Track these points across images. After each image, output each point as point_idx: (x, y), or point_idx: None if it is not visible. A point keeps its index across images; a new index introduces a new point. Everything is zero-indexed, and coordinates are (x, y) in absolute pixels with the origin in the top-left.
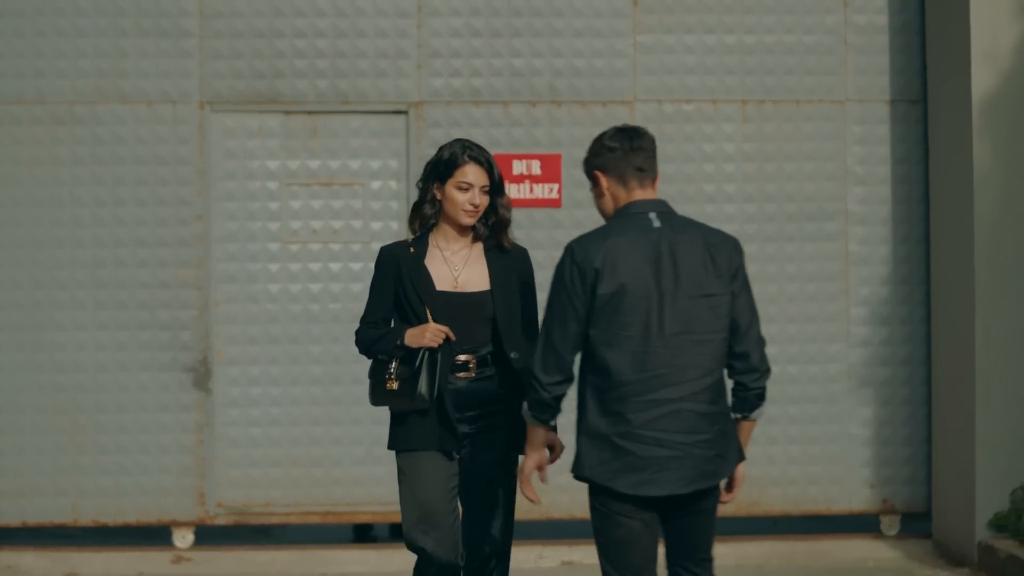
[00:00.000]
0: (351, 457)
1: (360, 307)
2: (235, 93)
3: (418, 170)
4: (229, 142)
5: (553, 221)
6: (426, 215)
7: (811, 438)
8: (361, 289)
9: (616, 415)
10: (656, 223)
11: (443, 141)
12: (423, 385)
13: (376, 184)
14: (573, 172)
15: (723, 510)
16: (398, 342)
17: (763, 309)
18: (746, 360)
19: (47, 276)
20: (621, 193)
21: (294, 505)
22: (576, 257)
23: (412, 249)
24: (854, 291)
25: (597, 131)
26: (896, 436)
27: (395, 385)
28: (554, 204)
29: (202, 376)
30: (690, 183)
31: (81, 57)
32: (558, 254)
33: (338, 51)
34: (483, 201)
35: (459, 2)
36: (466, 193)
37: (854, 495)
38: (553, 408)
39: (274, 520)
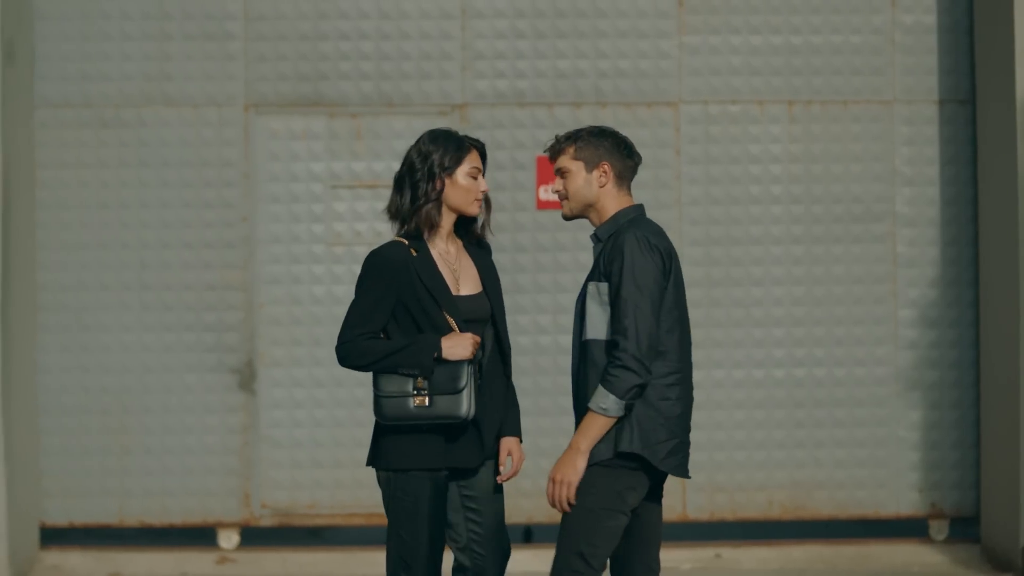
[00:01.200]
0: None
1: None
2: (279, 96)
3: None
4: (274, 144)
5: None
6: (432, 216)
7: (859, 441)
8: None
9: (667, 400)
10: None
11: (488, 143)
12: (466, 403)
13: None
14: None
15: (769, 514)
16: (435, 355)
17: (810, 311)
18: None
19: (93, 278)
20: (615, 191)
21: (338, 507)
22: (653, 241)
23: (414, 252)
24: (902, 293)
25: (643, 133)
26: (945, 440)
27: (426, 402)
28: None
29: (247, 378)
30: (736, 185)
31: (126, 61)
32: None
33: (382, 53)
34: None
35: (503, 4)
36: (476, 180)
37: (902, 499)
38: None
39: (318, 522)
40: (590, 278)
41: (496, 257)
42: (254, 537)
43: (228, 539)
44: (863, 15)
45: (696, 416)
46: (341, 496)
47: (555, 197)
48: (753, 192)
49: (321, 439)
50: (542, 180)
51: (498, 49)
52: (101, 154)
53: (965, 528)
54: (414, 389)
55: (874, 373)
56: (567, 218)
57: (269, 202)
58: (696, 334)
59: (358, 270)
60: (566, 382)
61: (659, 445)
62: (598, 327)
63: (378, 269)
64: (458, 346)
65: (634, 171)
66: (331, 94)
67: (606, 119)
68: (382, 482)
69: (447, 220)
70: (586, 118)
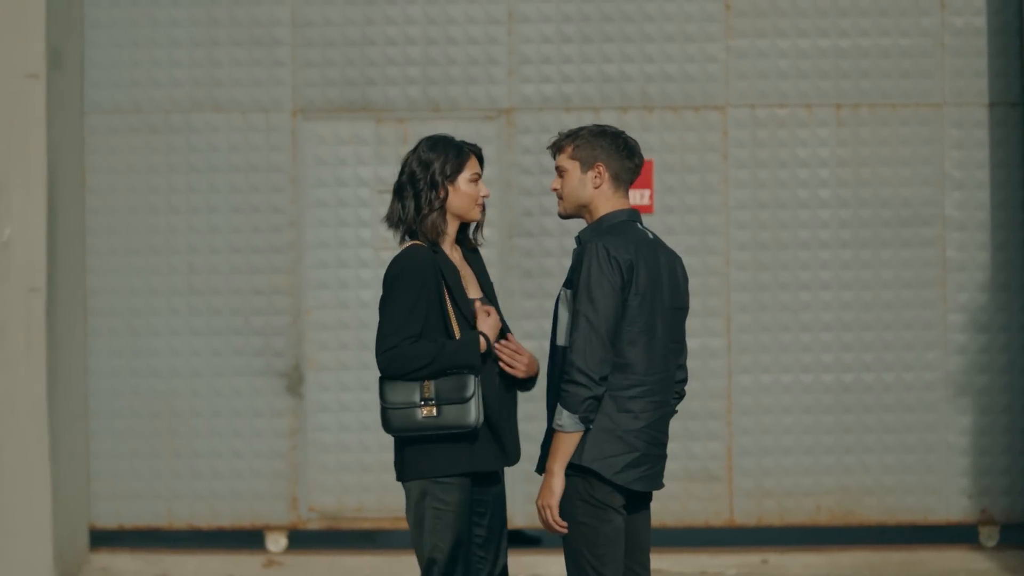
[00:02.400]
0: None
1: None
2: (327, 101)
3: (511, 177)
4: (321, 149)
5: None
6: (438, 224)
7: (908, 447)
8: None
9: (627, 412)
10: (649, 234)
11: (534, 148)
12: (475, 411)
13: None
14: (665, 178)
15: (817, 519)
16: (482, 349)
17: (858, 316)
18: (685, 370)
19: (143, 283)
20: (610, 193)
21: (386, 510)
22: (612, 253)
23: (435, 253)
24: (951, 298)
25: (689, 137)
26: (995, 445)
27: (434, 412)
28: (646, 210)
29: (295, 382)
30: (784, 189)
31: (176, 67)
32: None
33: (429, 58)
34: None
35: (550, 8)
36: (477, 184)
37: (952, 505)
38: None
39: (366, 525)
40: (564, 283)
41: (544, 262)
42: (302, 540)
43: (276, 542)
44: (912, 17)
45: (744, 421)
46: (388, 500)
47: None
48: (801, 196)
49: (368, 443)
50: None
51: (544, 53)
52: (151, 160)
53: (1015, 534)
54: (421, 399)
55: (923, 378)
56: (562, 217)
57: (316, 207)
58: (743, 338)
59: None
60: None
61: (614, 458)
62: (565, 334)
63: (411, 273)
64: (487, 326)
65: (634, 173)
66: (378, 99)
67: (653, 123)
68: (413, 493)
69: (451, 227)
70: (633, 122)
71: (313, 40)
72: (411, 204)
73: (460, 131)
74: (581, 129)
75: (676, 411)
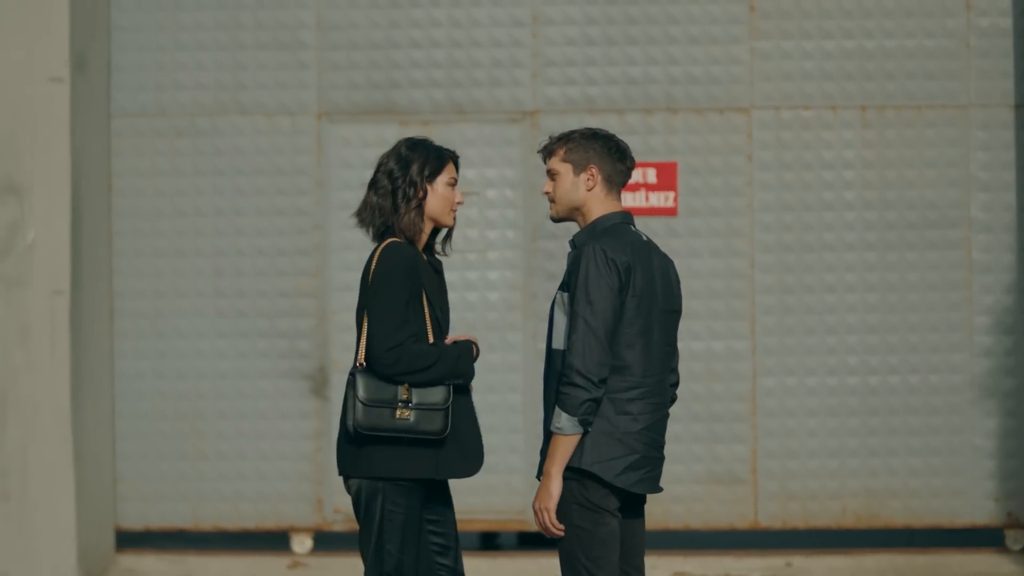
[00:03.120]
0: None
1: (474, 317)
2: (352, 104)
3: (535, 179)
4: (346, 152)
5: (669, 230)
6: (416, 223)
7: (933, 450)
8: (477, 299)
9: (626, 414)
10: (643, 236)
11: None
12: (446, 419)
13: (492, 193)
14: (690, 180)
15: (842, 522)
16: (472, 359)
17: (884, 319)
18: (676, 373)
19: (169, 285)
20: (603, 195)
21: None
22: (610, 255)
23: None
24: (977, 300)
25: (714, 139)
26: (1021, 448)
27: (409, 415)
28: (670, 213)
29: (320, 384)
30: (809, 191)
31: (201, 70)
32: (676, 264)
33: (453, 61)
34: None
35: (574, 11)
36: (454, 189)
37: (978, 508)
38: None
39: None
40: (560, 286)
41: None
42: (327, 542)
43: (301, 544)
44: (937, 19)
45: (769, 423)
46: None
47: (634, 203)
48: (826, 198)
49: None
50: None
51: (569, 56)
52: (176, 163)
53: None
54: (399, 401)
55: (949, 381)
56: (554, 220)
57: (342, 209)
58: (768, 341)
59: None
60: None
61: (614, 461)
62: (562, 337)
63: (403, 269)
64: (467, 336)
65: (626, 175)
66: (403, 102)
67: (677, 125)
68: (363, 491)
69: (427, 229)
70: (657, 124)
71: (338, 43)
72: (388, 201)
73: (485, 133)
74: (572, 132)
75: (669, 414)
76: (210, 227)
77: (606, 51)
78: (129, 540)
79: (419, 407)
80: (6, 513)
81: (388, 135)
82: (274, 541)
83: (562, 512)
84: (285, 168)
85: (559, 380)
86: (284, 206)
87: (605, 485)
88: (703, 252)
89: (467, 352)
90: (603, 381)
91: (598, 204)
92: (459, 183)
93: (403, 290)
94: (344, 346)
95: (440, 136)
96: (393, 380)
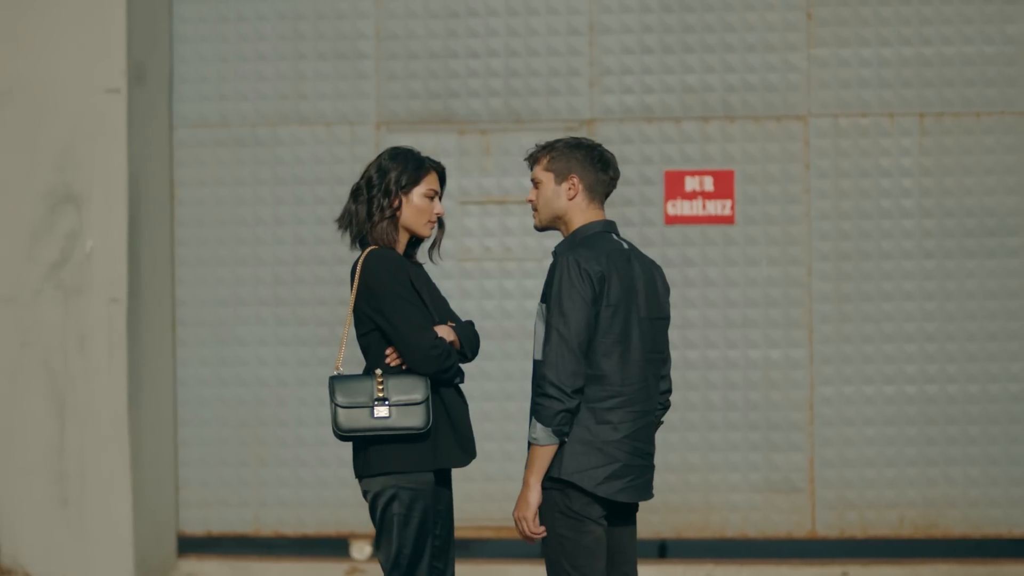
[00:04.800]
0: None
1: (492, 325)
2: (410, 113)
3: None
4: None
5: (727, 238)
6: (390, 233)
7: (992, 459)
8: (494, 307)
9: (606, 423)
10: (624, 244)
11: (616, 158)
12: (427, 414)
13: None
14: (747, 188)
15: (900, 532)
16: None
17: (942, 327)
18: (669, 380)
19: (230, 293)
20: (584, 205)
21: (468, 519)
22: (583, 265)
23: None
24: None
25: (771, 147)
26: None
27: (385, 412)
28: (727, 221)
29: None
30: (866, 198)
31: (262, 81)
32: (733, 272)
33: (511, 70)
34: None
35: (631, 20)
36: (432, 201)
37: None
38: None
39: None
40: (540, 298)
41: None
42: None
43: (360, 550)
44: (996, 25)
45: (826, 432)
46: (470, 509)
47: (691, 211)
48: (884, 206)
49: None
50: (670, 195)
51: (626, 64)
52: (237, 172)
53: None
54: (374, 400)
55: (1008, 390)
56: (538, 229)
57: None
58: (826, 349)
59: (488, 285)
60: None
61: (595, 470)
62: (540, 348)
63: (397, 271)
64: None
65: (609, 185)
66: (461, 111)
67: (734, 133)
68: (377, 496)
69: (402, 239)
70: (714, 132)
71: (397, 53)
72: (363, 209)
73: (542, 142)
74: (557, 141)
75: (662, 422)
76: (270, 236)
77: (663, 59)
78: (191, 545)
79: (397, 404)
80: (64, 518)
81: (446, 144)
82: (334, 547)
83: (546, 521)
84: (345, 177)
85: (533, 391)
86: None
87: (587, 494)
88: (760, 260)
89: (468, 324)
90: (577, 391)
91: (579, 213)
92: (515, 191)
93: (405, 289)
94: None
95: (498, 145)
96: (442, 377)
